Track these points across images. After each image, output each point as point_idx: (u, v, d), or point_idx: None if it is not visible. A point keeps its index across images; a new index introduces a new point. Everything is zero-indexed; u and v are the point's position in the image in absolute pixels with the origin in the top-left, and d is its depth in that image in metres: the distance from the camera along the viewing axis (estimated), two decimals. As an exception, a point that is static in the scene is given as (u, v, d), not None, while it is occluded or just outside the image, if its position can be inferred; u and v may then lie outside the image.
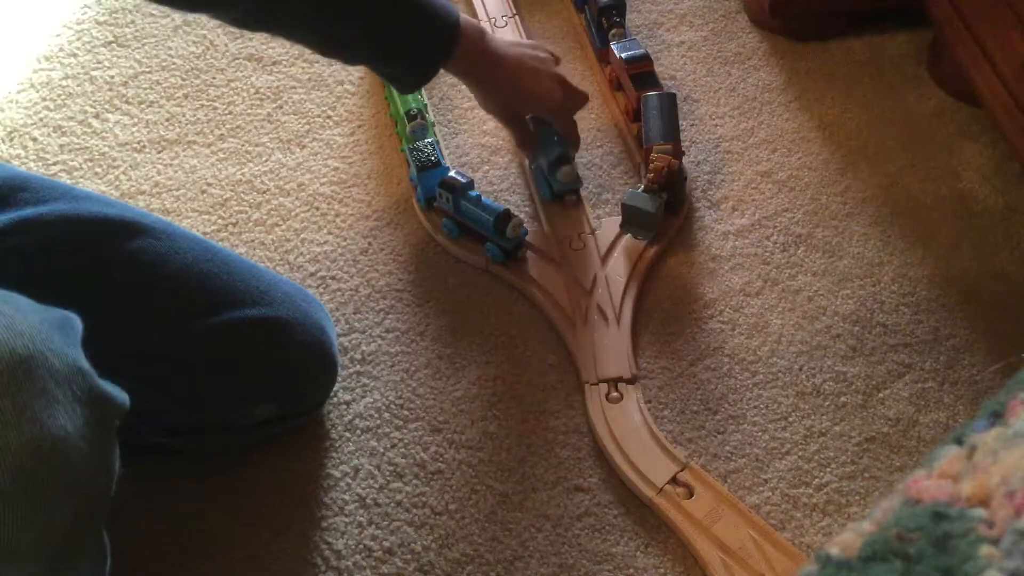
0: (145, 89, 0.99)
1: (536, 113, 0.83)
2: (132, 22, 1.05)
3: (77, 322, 0.47)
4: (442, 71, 0.74)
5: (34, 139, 0.94)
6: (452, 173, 0.83)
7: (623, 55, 0.92)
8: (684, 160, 0.88)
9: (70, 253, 0.62)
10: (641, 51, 0.93)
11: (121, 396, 0.47)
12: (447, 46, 0.72)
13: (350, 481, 0.71)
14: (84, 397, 0.44)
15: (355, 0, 0.66)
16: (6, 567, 0.40)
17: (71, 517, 0.43)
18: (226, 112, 0.97)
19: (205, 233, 0.86)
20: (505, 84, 0.78)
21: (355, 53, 0.72)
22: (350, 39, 0.69)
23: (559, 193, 0.87)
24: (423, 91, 0.94)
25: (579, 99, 0.84)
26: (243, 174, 0.91)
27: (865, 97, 0.98)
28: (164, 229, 0.66)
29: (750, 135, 0.95)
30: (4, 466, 0.39)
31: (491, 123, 0.94)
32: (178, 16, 1.06)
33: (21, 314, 0.43)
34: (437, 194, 0.83)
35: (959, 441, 0.32)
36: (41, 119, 0.96)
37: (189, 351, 0.64)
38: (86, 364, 0.45)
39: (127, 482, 0.70)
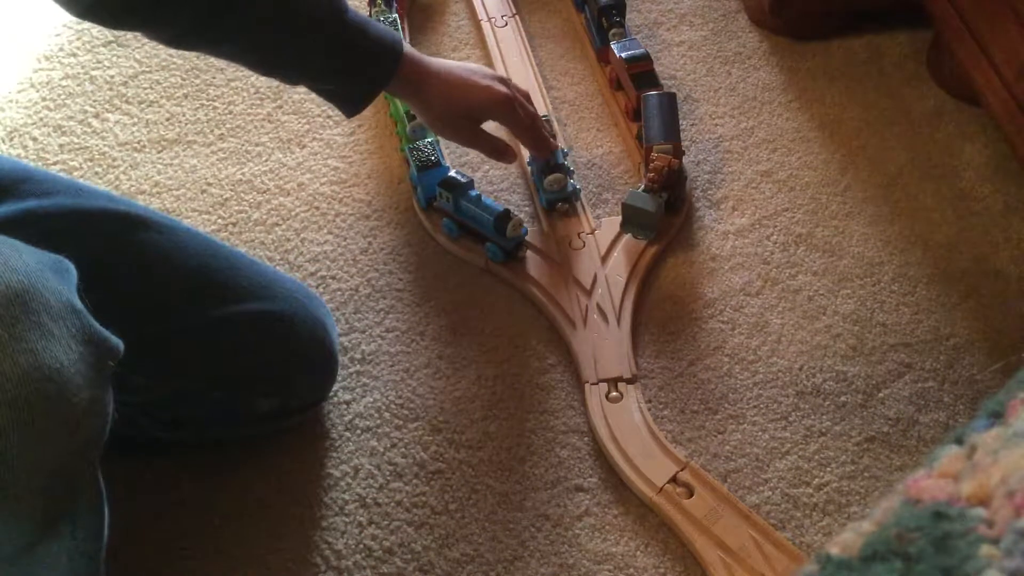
0: (145, 89, 0.99)
1: (485, 115, 0.80)
2: (132, 22, 1.05)
3: (72, 267, 0.47)
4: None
5: (34, 139, 0.94)
6: (452, 173, 0.83)
7: (623, 55, 0.92)
8: (684, 160, 0.88)
9: (73, 245, 0.62)
10: (641, 51, 0.93)
11: (115, 340, 0.47)
12: (389, 72, 0.71)
13: (350, 481, 0.71)
14: (79, 335, 0.44)
15: (296, 26, 0.65)
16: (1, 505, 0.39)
17: (66, 455, 0.42)
18: (226, 112, 0.97)
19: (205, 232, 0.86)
20: (437, 93, 0.76)
21: (294, 75, 0.71)
22: (288, 62, 0.68)
23: (550, 202, 0.86)
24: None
25: (522, 94, 0.82)
26: (243, 174, 0.91)
27: (865, 97, 0.98)
28: (167, 224, 0.67)
29: (750, 135, 0.95)
30: None
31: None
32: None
33: (16, 252, 0.43)
34: (437, 194, 0.83)
35: (959, 441, 0.32)
36: (41, 119, 0.96)
37: (190, 344, 0.64)
38: (80, 304, 0.45)
39: (126, 479, 0.70)
